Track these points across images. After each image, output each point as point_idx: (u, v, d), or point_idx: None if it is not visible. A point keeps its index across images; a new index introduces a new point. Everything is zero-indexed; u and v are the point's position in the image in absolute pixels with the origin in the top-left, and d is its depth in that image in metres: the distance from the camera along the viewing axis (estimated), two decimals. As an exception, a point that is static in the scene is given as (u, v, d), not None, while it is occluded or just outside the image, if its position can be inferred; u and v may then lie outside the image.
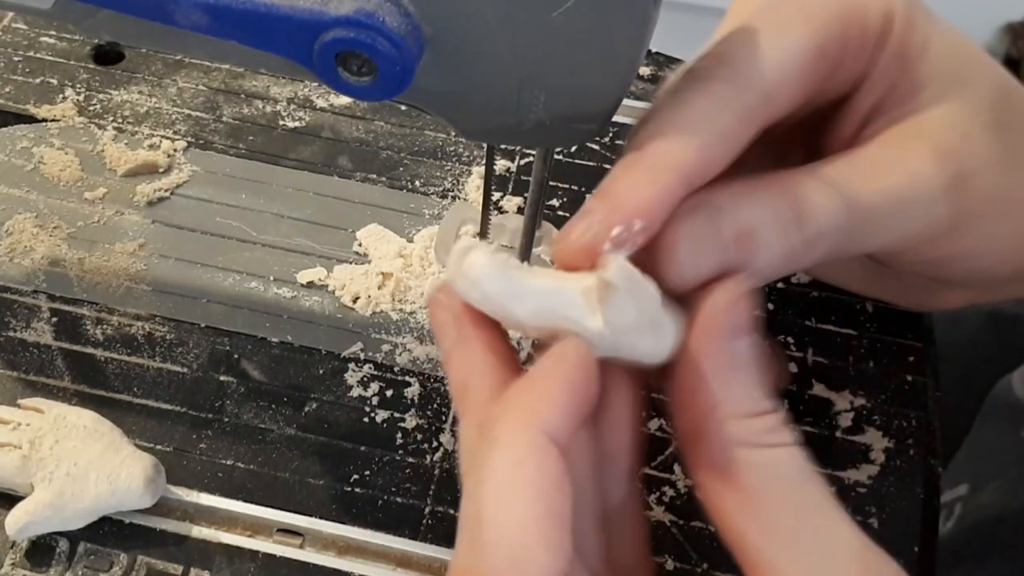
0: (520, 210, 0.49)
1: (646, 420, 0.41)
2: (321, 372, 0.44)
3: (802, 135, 0.38)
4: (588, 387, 0.28)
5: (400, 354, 0.44)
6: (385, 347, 0.45)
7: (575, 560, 0.27)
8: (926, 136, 0.34)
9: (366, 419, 0.43)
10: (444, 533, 0.40)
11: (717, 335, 0.29)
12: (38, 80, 0.54)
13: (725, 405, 0.28)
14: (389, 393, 0.43)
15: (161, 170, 0.50)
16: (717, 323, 0.29)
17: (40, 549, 0.38)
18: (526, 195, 0.39)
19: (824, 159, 0.34)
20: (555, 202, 0.50)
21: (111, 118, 0.52)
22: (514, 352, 0.32)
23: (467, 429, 0.30)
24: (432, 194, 0.50)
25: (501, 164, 0.51)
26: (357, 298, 0.46)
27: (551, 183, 0.49)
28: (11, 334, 0.44)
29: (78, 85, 0.54)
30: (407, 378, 0.44)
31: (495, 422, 0.27)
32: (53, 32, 0.56)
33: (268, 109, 0.54)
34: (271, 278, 0.47)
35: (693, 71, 0.31)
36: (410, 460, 0.41)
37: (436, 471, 0.41)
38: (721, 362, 0.29)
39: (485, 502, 0.26)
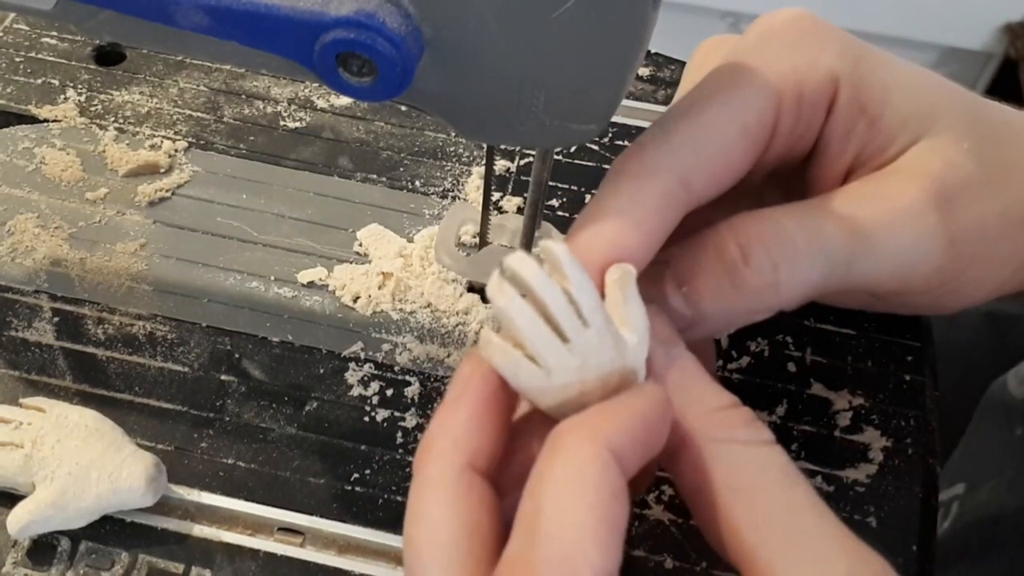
0: (520, 210, 0.49)
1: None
2: (321, 371, 0.44)
3: (782, 189, 0.39)
4: (659, 426, 0.29)
5: (400, 353, 0.45)
6: (385, 347, 0.45)
7: None
8: (907, 168, 0.34)
9: (366, 418, 0.43)
10: (444, 532, 0.40)
11: (656, 348, 0.30)
12: (39, 81, 0.54)
13: (693, 405, 0.30)
14: (389, 392, 0.43)
15: (162, 170, 0.51)
16: (652, 339, 0.30)
17: (42, 548, 0.39)
18: (526, 195, 0.40)
19: (805, 200, 0.34)
20: (555, 202, 0.50)
21: (112, 118, 0.52)
22: (499, 444, 0.30)
23: (415, 485, 0.29)
24: (432, 194, 0.50)
25: (501, 164, 0.51)
26: (357, 298, 0.46)
27: (551, 183, 0.49)
28: (13, 334, 0.44)
29: (79, 86, 0.54)
30: (407, 377, 0.44)
31: (562, 434, 0.28)
32: (54, 33, 0.56)
33: (269, 110, 0.54)
34: (272, 278, 0.47)
35: (616, 161, 0.33)
36: (410, 459, 0.41)
37: (436, 470, 0.41)
38: (671, 370, 0.31)
39: (545, 500, 0.26)
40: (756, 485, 0.28)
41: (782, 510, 0.28)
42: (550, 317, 0.28)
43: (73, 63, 0.55)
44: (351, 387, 0.43)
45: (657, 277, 0.32)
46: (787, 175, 0.38)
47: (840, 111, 0.34)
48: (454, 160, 0.52)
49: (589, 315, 0.28)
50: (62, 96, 0.53)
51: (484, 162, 0.42)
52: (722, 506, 0.28)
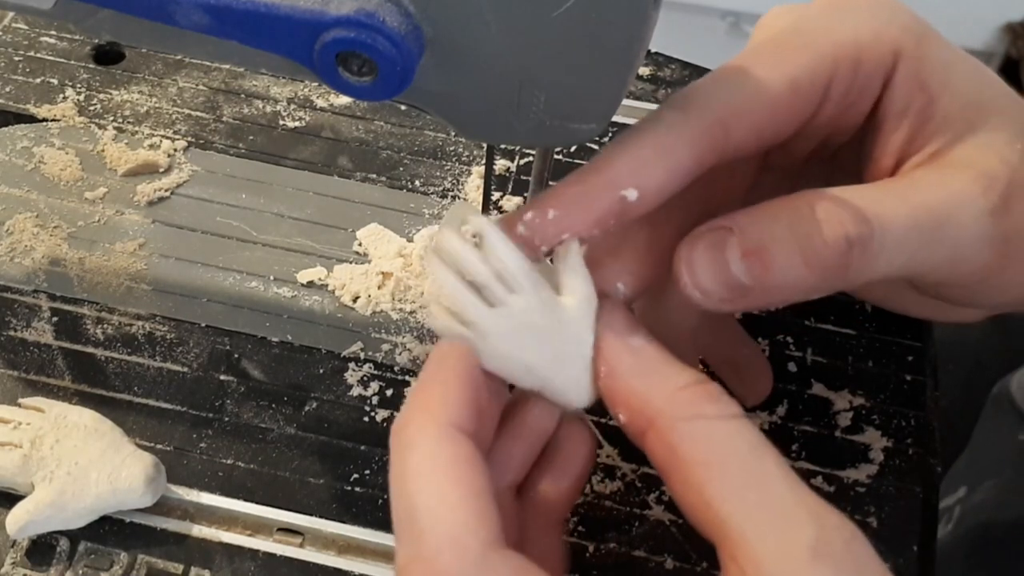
0: (520, 210, 0.49)
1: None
2: (321, 371, 0.44)
3: (827, 171, 0.38)
4: (477, 378, 0.31)
5: (400, 353, 0.44)
6: (385, 346, 0.45)
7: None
8: (967, 162, 0.34)
9: (366, 418, 0.43)
10: (444, 532, 0.40)
11: (614, 339, 0.31)
12: (38, 80, 0.54)
13: (656, 386, 0.30)
14: (389, 392, 0.43)
15: (161, 170, 0.51)
16: (609, 330, 0.32)
17: (41, 548, 0.39)
18: (526, 195, 0.40)
19: (878, 182, 0.34)
20: (555, 202, 0.50)
21: (111, 118, 0.52)
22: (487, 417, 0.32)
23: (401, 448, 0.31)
24: (432, 194, 0.50)
25: (501, 164, 0.51)
26: (357, 298, 0.46)
27: (551, 183, 0.49)
28: (12, 333, 0.44)
29: (78, 85, 0.54)
30: (407, 377, 0.44)
31: (404, 428, 0.30)
32: (53, 32, 0.56)
33: (268, 109, 0.54)
34: (271, 278, 0.47)
35: (668, 98, 0.33)
36: (410, 459, 0.41)
37: (436, 470, 0.41)
38: (630, 358, 0.31)
39: (413, 496, 0.28)
40: (725, 458, 0.29)
41: (751, 481, 0.28)
42: (476, 286, 0.31)
43: (72, 62, 0.55)
44: (351, 387, 0.43)
45: (719, 242, 0.32)
46: (835, 156, 0.37)
47: (898, 85, 0.34)
48: (454, 160, 0.52)
49: (513, 281, 0.31)
50: (61, 95, 0.53)
51: (484, 162, 0.42)
52: (693, 481, 0.29)
